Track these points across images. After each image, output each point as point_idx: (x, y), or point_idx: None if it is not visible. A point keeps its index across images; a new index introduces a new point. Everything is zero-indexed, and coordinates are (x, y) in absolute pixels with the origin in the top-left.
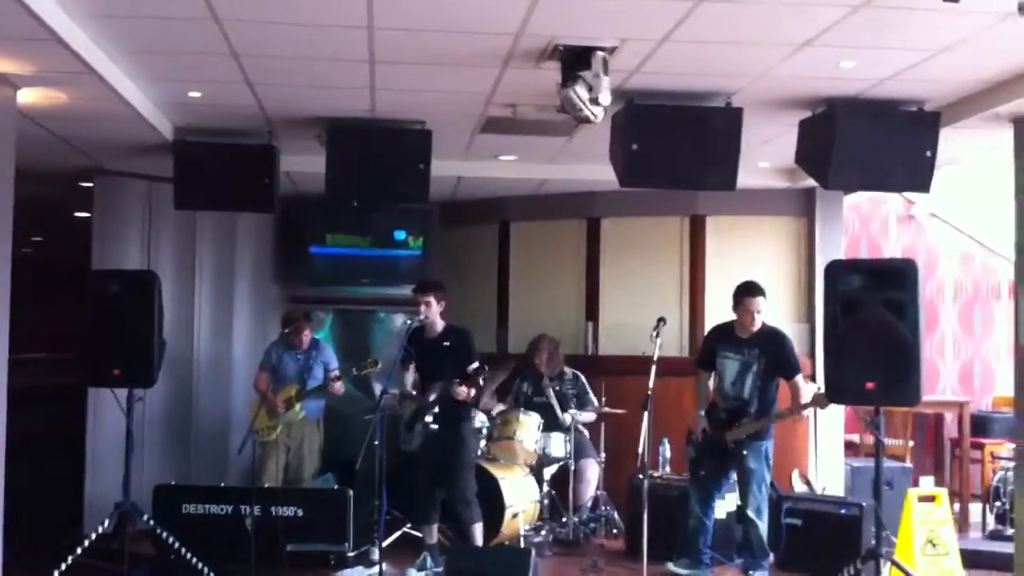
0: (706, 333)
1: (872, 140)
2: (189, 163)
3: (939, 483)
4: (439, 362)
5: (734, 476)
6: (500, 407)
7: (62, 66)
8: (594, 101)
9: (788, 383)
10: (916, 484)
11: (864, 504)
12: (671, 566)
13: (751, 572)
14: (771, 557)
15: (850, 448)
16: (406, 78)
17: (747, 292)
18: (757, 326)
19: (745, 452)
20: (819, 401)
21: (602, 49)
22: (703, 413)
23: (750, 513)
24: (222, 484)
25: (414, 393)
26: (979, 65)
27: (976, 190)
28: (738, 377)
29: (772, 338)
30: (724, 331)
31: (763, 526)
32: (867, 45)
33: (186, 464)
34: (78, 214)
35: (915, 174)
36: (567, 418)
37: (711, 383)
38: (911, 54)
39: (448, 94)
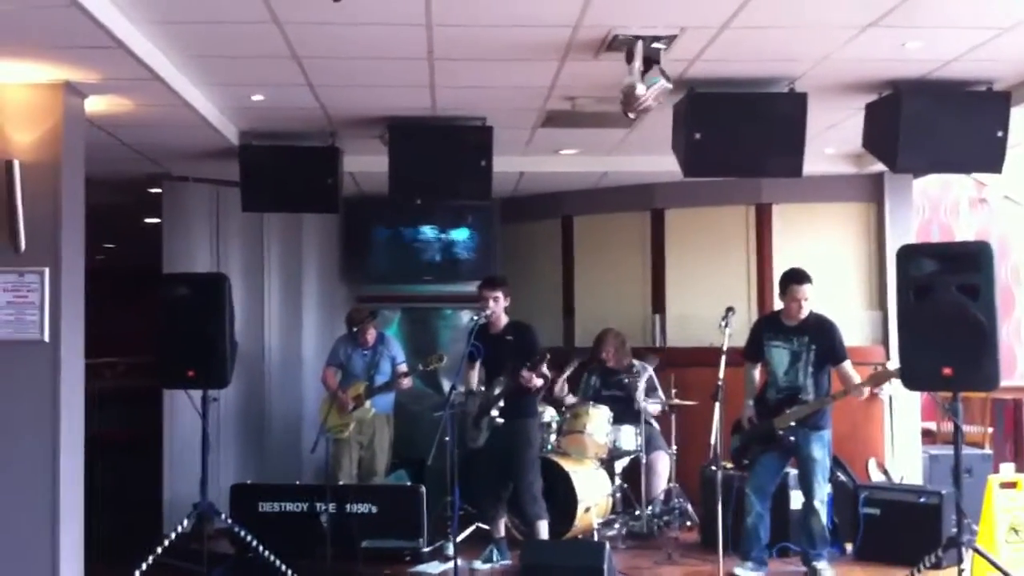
0: (752, 324)
1: (941, 121)
2: (254, 166)
3: (1020, 469)
4: (502, 357)
5: (789, 468)
6: (572, 399)
7: (128, 73)
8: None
9: (836, 370)
10: (996, 471)
11: (944, 492)
12: (738, 570)
13: (813, 562)
14: (828, 547)
15: (927, 436)
16: (466, 74)
17: (793, 279)
18: (804, 314)
19: (795, 439)
20: (877, 379)
21: (661, 38)
22: (751, 403)
23: (816, 504)
24: (297, 482)
25: (482, 389)
26: None
27: None
28: (791, 366)
29: (821, 325)
30: (771, 321)
31: (825, 515)
32: (933, 24)
33: (261, 463)
34: (148, 220)
35: (986, 155)
36: (640, 394)
37: (757, 373)
38: (978, 33)
39: (508, 89)
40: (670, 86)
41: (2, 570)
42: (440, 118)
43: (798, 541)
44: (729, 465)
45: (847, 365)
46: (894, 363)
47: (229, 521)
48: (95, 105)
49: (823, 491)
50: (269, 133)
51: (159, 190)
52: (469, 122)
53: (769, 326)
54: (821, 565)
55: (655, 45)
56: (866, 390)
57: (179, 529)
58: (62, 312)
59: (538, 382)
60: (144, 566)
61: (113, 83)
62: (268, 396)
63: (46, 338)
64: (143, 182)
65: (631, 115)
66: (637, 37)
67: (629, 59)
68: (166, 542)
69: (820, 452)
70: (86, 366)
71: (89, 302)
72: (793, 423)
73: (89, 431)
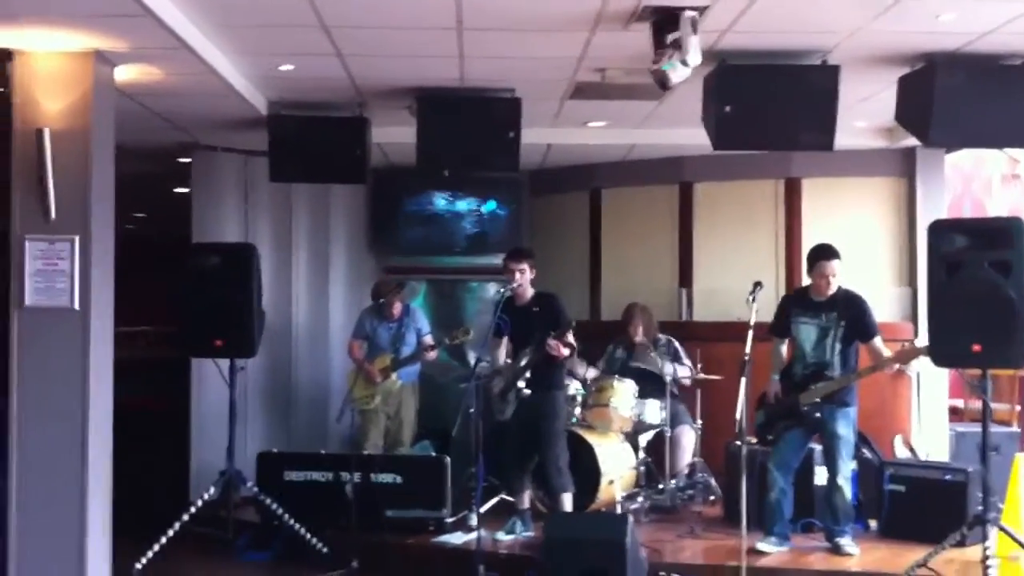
0: (780, 299)
1: (974, 95)
2: (283, 136)
3: None
4: (530, 329)
5: (814, 444)
6: (592, 372)
7: (157, 42)
8: (683, 63)
9: (866, 346)
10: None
11: (970, 469)
12: (760, 545)
13: (837, 539)
14: (852, 523)
15: (954, 414)
16: (494, 45)
17: (822, 255)
18: (833, 290)
19: (820, 416)
20: (905, 355)
21: (693, 8)
22: (776, 378)
23: (839, 481)
24: (322, 451)
25: (509, 362)
26: None
27: None
28: (819, 342)
29: (850, 301)
30: (799, 297)
31: (849, 492)
32: None
33: (287, 432)
34: (177, 190)
35: (1020, 130)
36: (667, 368)
37: (784, 349)
38: (1013, 5)
39: (537, 60)
40: (699, 58)
41: (32, 535)
42: (468, 89)
43: (822, 517)
44: (754, 440)
45: (878, 341)
46: (923, 340)
47: (255, 489)
48: (125, 74)
49: (848, 468)
50: (297, 103)
51: (188, 159)
52: (497, 93)
53: (797, 302)
54: (845, 541)
55: (688, 15)
56: (896, 365)
57: (206, 496)
58: (92, 280)
59: (565, 351)
60: (171, 532)
61: (142, 52)
62: (295, 366)
63: (76, 306)
64: (173, 151)
65: (668, 86)
66: (668, 8)
67: (695, 30)
68: (193, 509)
69: (845, 429)
70: (116, 335)
71: (119, 271)
72: (818, 399)
73: (118, 399)
